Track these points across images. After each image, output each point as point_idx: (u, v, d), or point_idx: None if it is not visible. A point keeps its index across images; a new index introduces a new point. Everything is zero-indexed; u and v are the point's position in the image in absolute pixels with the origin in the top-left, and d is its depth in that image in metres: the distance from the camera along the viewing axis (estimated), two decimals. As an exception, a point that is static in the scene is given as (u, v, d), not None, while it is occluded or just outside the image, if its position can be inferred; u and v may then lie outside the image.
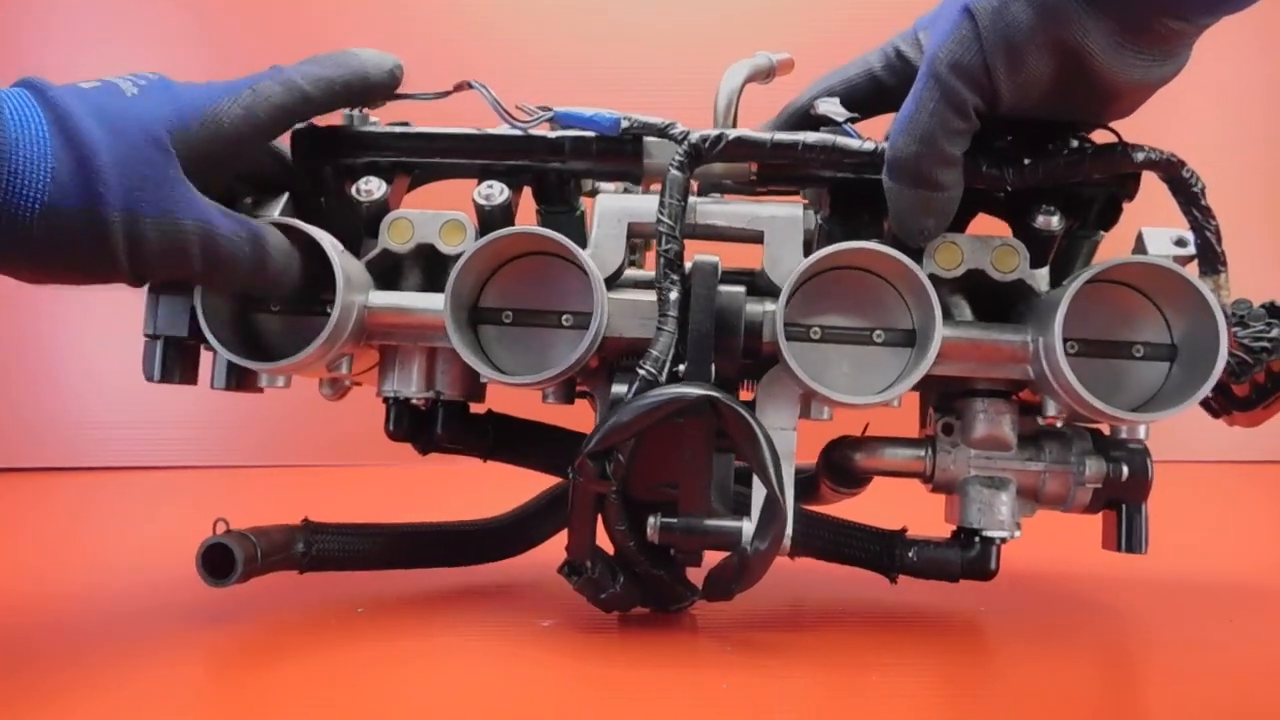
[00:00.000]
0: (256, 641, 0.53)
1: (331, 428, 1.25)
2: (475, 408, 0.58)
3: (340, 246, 0.51)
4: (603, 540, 0.50)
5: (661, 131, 0.52)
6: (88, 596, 0.64)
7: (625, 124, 0.53)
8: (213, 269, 0.46)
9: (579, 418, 0.59)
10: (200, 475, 1.28)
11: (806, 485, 0.60)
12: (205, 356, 0.56)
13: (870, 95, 0.54)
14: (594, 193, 0.59)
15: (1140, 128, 0.49)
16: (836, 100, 0.54)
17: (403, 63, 0.53)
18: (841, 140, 0.51)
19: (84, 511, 1.12)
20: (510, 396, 0.58)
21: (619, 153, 0.54)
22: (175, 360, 0.53)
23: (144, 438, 1.33)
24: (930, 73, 0.46)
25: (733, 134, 0.51)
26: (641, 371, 0.47)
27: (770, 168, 0.54)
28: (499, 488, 0.67)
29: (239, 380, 0.56)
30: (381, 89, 0.52)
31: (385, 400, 0.55)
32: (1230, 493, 1.14)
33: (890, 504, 0.61)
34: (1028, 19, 0.44)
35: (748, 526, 0.48)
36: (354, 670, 0.48)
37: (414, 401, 0.54)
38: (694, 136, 0.51)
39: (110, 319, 1.31)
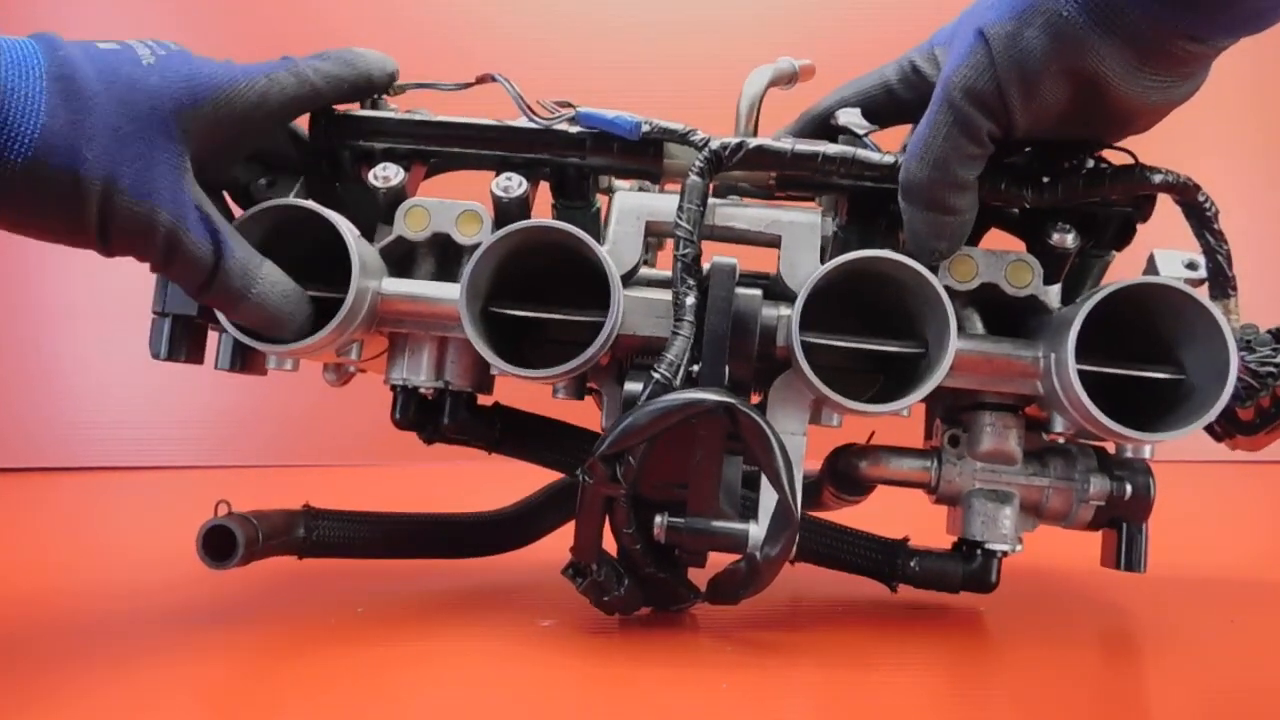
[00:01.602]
0: (256, 641, 0.52)
1: (332, 428, 1.25)
2: (482, 400, 0.58)
3: (356, 231, 0.51)
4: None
5: (682, 138, 0.52)
6: (87, 597, 0.64)
7: (646, 128, 0.52)
8: (168, 266, 0.45)
9: (585, 414, 0.59)
10: (200, 475, 1.27)
11: (809, 491, 0.60)
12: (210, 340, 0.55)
13: (886, 108, 0.54)
14: (609, 191, 0.59)
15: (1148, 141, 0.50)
16: (857, 112, 0.54)
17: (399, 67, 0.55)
18: (861, 153, 0.51)
19: (84, 511, 1.11)
20: (517, 392, 0.58)
21: (639, 152, 0.54)
22: (182, 339, 0.53)
23: (144, 438, 1.32)
24: (944, 97, 0.46)
25: (753, 143, 0.51)
26: (656, 375, 0.47)
27: (789, 176, 0.54)
28: (499, 488, 0.66)
29: (243, 362, 0.55)
30: (379, 90, 0.55)
31: (393, 388, 0.55)
32: (1230, 493, 1.15)
33: (887, 513, 0.62)
34: (1042, 46, 0.44)
35: (754, 529, 0.48)
36: (354, 670, 0.47)
37: (422, 391, 0.54)
38: (715, 144, 0.51)
39: (110, 319, 1.30)
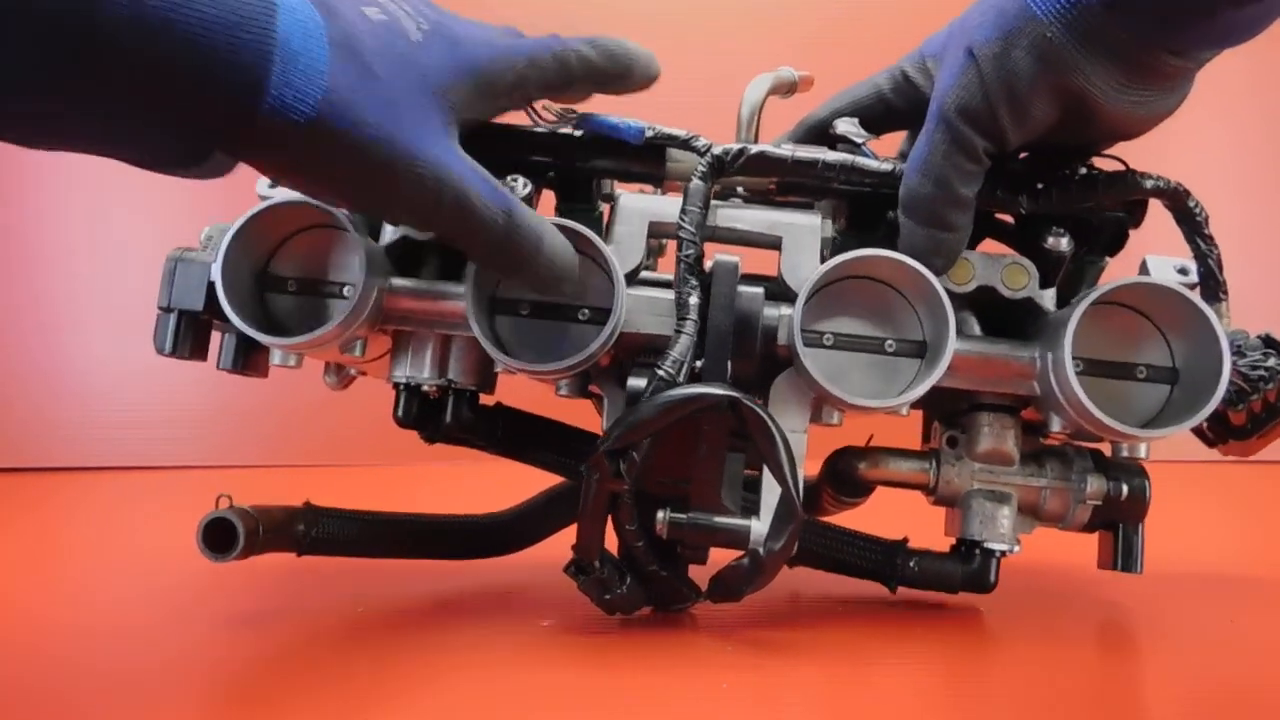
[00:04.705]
0: (257, 641, 0.52)
1: (331, 428, 1.24)
2: (484, 401, 0.58)
3: (363, 228, 0.51)
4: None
5: (685, 144, 0.53)
6: (87, 597, 0.63)
7: (649, 134, 0.53)
8: (459, 236, 0.45)
9: (587, 417, 0.59)
10: (200, 475, 1.26)
11: (807, 496, 0.60)
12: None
13: (880, 116, 0.56)
14: (610, 197, 0.60)
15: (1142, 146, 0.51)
16: (855, 120, 0.56)
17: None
18: (860, 160, 0.52)
19: (84, 511, 1.10)
20: (518, 394, 0.58)
21: (643, 157, 0.54)
22: (187, 334, 0.53)
23: (144, 438, 1.31)
24: (940, 116, 0.47)
25: (754, 149, 0.52)
26: (660, 372, 0.48)
27: (789, 181, 0.55)
28: (499, 489, 0.66)
29: (245, 362, 0.55)
30: (631, 89, 0.52)
31: (396, 386, 0.55)
32: (1230, 493, 1.15)
33: (883, 519, 0.62)
34: (1028, 66, 0.45)
35: (756, 525, 0.49)
36: (354, 670, 0.47)
37: (425, 389, 0.54)
38: (717, 150, 0.52)
39: (110, 319, 1.30)
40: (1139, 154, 0.52)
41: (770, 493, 0.49)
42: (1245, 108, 1.40)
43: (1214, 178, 1.32)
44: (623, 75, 0.51)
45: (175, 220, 1.30)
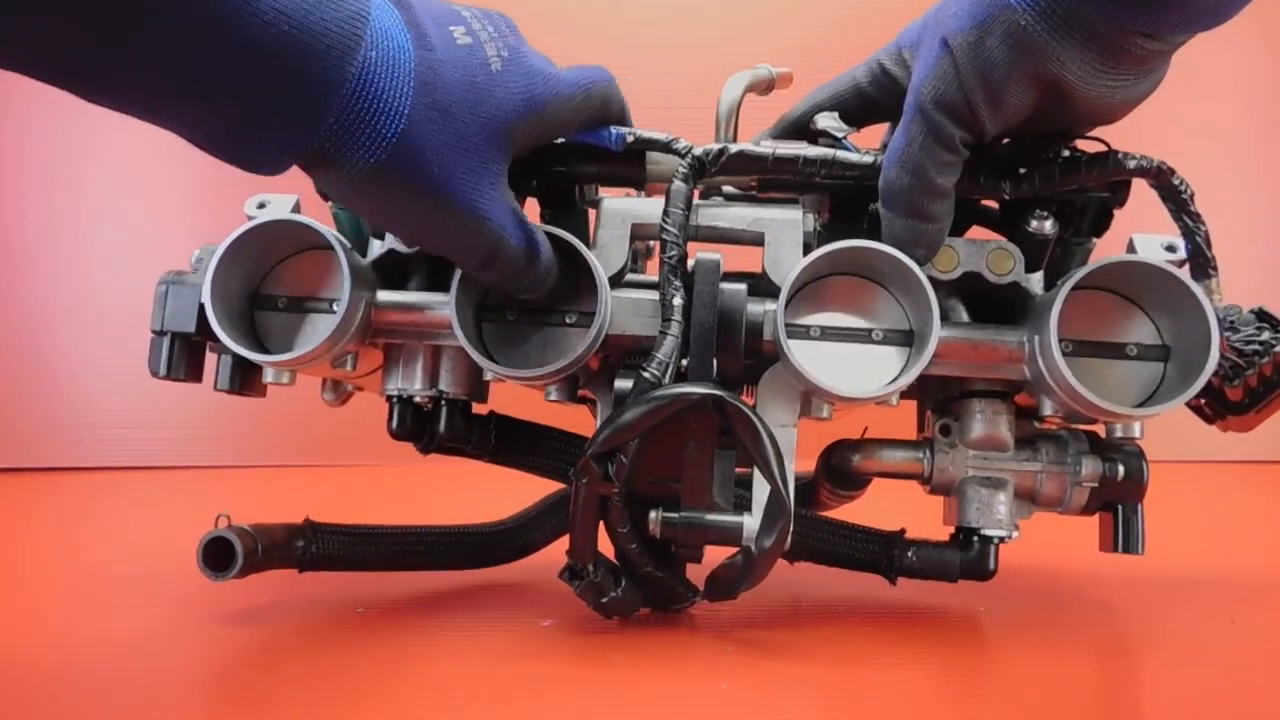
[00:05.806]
0: (256, 641, 0.53)
1: (331, 427, 1.24)
2: (477, 410, 0.59)
3: (348, 244, 0.52)
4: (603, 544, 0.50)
5: (665, 147, 0.53)
6: (87, 597, 0.64)
7: (629, 139, 0.54)
8: (484, 269, 0.47)
9: (581, 422, 0.59)
10: (200, 475, 1.27)
11: (806, 492, 0.60)
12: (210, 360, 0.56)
13: (859, 109, 0.55)
14: (595, 203, 0.61)
15: (1139, 128, 0.51)
16: (835, 115, 0.55)
17: None
18: (841, 154, 0.52)
19: (84, 511, 1.11)
20: (511, 401, 0.59)
21: (623, 160, 0.55)
22: (181, 357, 0.54)
23: (144, 438, 1.32)
24: (916, 107, 0.47)
25: (734, 149, 0.52)
26: (645, 374, 0.48)
27: (771, 178, 0.55)
28: (499, 489, 0.67)
29: (242, 382, 0.56)
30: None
31: (389, 399, 0.55)
32: (1230, 493, 1.15)
33: (885, 514, 0.62)
34: (1003, 55, 0.45)
35: (749, 521, 0.49)
36: (354, 670, 0.48)
37: (418, 400, 0.55)
38: (697, 151, 0.52)
39: (111, 319, 1.32)
40: (1132, 138, 0.51)
41: (762, 488, 0.49)
42: (1230, 90, 1.38)
43: (1210, 158, 1.30)
44: (620, 120, 0.53)
45: (176, 221, 1.32)
